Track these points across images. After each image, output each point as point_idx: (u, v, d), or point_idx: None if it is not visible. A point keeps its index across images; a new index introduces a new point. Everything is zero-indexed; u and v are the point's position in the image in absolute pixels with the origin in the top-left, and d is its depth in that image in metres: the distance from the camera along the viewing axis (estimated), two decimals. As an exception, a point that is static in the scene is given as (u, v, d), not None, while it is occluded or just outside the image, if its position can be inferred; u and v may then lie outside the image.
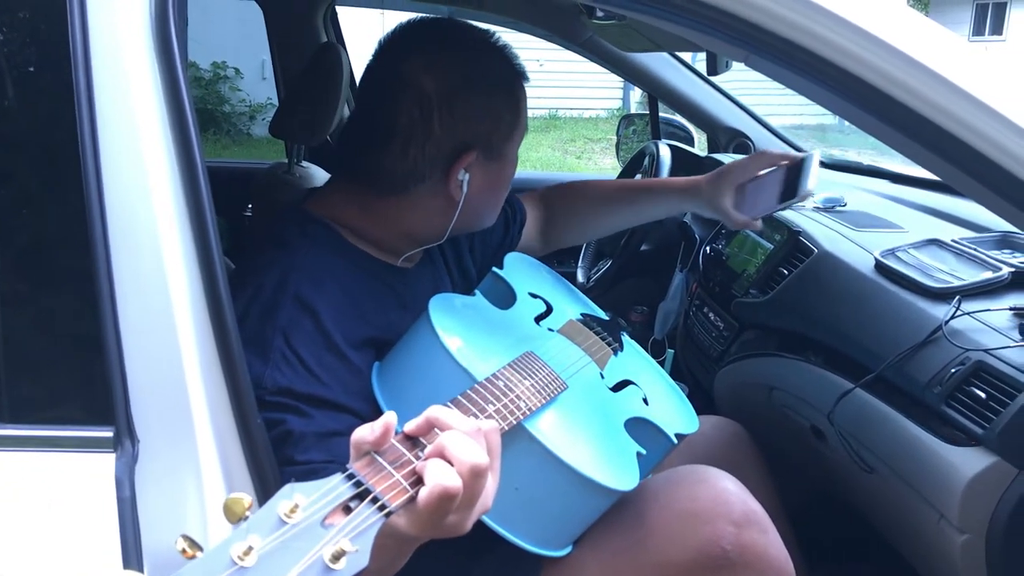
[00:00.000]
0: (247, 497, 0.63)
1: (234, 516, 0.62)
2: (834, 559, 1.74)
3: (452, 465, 0.73)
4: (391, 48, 1.23)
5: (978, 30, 16.00)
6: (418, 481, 0.72)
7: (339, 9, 2.70)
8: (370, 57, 1.24)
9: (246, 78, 9.12)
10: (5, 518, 0.88)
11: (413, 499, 0.71)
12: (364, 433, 0.75)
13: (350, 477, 0.69)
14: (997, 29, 16.12)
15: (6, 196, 0.91)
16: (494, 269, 1.38)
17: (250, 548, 0.58)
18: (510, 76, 1.24)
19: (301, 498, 0.64)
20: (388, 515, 0.68)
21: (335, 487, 0.67)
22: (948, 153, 0.95)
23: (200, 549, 0.59)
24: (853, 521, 1.62)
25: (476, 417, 0.89)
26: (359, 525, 0.65)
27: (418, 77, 1.16)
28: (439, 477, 0.71)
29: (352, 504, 0.67)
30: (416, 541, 0.80)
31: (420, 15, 1.30)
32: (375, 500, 0.68)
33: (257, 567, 0.58)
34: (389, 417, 0.75)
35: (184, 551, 0.59)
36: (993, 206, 0.99)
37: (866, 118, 1.00)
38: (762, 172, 1.48)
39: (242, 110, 9.22)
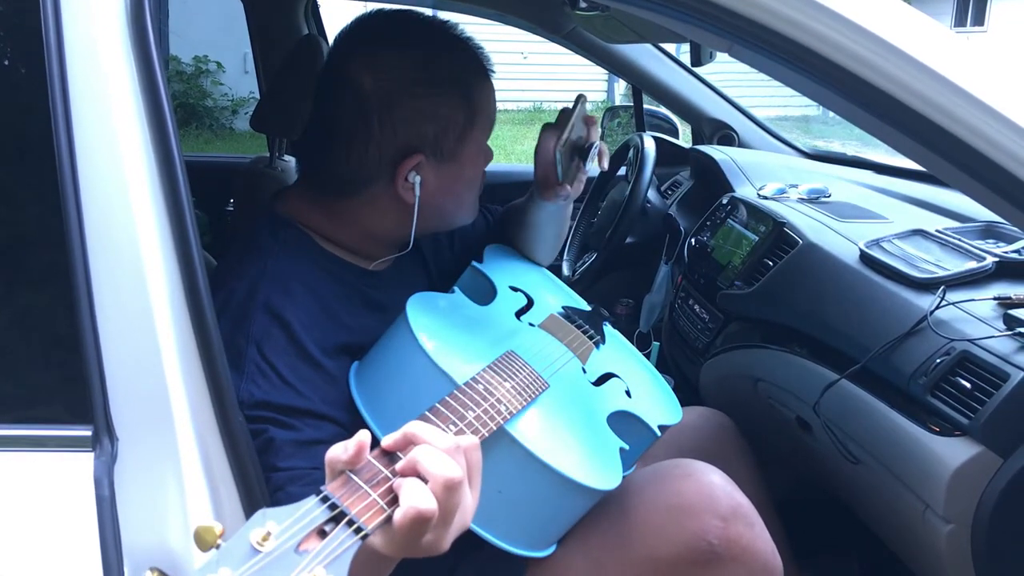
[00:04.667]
0: (218, 525, 0.61)
1: (205, 545, 0.61)
2: (820, 550, 1.74)
3: (426, 481, 0.72)
4: (340, 44, 1.19)
5: (960, 20, 16.07)
6: (395, 500, 0.70)
7: (321, 1, 2.67)
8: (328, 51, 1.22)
9: (228, 72, 9.05)
10: (-19, 520, 0.87)
11: (390, 519, 0.69)
12: (338, 452, 0.73)
13: (324, 500, 0.67)
14: (979, 20, 16.18)
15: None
16: (473, 263, 1.37)
17: None
18: (464, 74, 1.19)
19: (273, 525, 0.62)
20: (364, 537, 0.66)
21: (309, 511, 0.65)
22: (932, 142, 0.95)
23: None
24: (839, 512, 1.62)
25: (456, 425, 0.87)
26: (335, 550, 0.63)
27: (359, 76, 1.13)
28: (413, 498, 0.69)
29: (327, 528, 0.65)
30: (392, 561, 0.79)
31: (377, 7, 1.25)
32: (351, 523, 0.66)
33: None
34: (363, 435, 0.73)
35: None
36: (977, 195, 0.98)
37: (849, 107, 1.00)
38: (554, 141, 1.35)
39: (224, 104, 9.15)
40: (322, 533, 0.63)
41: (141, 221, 0.88)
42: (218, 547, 0.59)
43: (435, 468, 0.71)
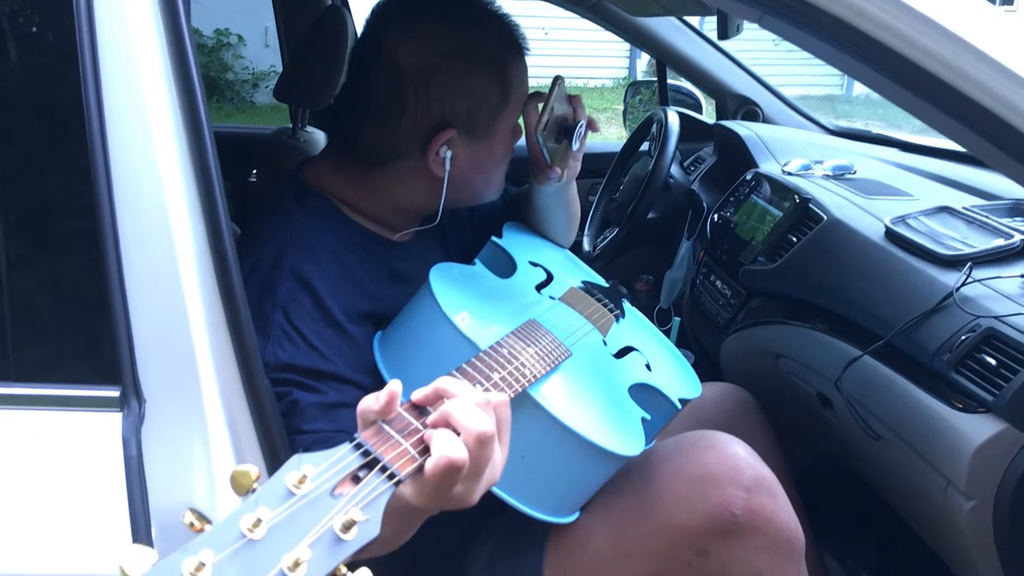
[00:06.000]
0: (254, 469, 0.62)
1: (242, 488, 0.61)
2: (839, 526, 1.74)
3: (458, 434, 0.72)
4: (377, 17, 1.19)
5: None
6: (426, 450, 0.71)
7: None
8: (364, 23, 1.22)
9: (249, 45, 9.05)
10: (15, 475, 0.88)
11: (421, 468, 0.70)
12: (370, 402, 0.74)
13: (358, 447, 0.68)
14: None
15: (13, 160, 0.90)
16: (493, 238, 1.37)
17: (259, 520, 0.57)
18: (500, 51, 1.19)
19: (309, 468, 0.63)
20: (398, 484, 0.67)
21: (343, 457, 0.66)
22: (964, 115, 0.93)
23: (208, 522, 0.58)
24: (859, 489, 1.62)
25: (482, 385, 0.88)
26: (369, 494, 0.64)
27: (395, 50, 1.13)
28: (445, 448, 0.70)
29: (361, 474, 0.66)
30: (423, 513, 0.80)
31: None
32: (384, 469, 0.67)
33: (266, 539, 0.57)
34: (394, 385, 0.74)
35: (192, 524, 0.58)
36: (1008, 170, 0.97)
37: (880, 79, 0.98)
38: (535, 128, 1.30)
39: (245, 78, 9.15)
40: (356, 479, 0.65)
41: (169, 186, 0.89)
42: (254, 490, 0.59)
43: (467, 421, 0.72)
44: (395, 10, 1.18)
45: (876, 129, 2.61)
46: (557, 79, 1.30)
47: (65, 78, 0.88)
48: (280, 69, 2.52)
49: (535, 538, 1.15)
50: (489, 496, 0.99)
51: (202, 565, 0.52)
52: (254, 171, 2.42)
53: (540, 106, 1.26)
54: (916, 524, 1.42)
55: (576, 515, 1.12)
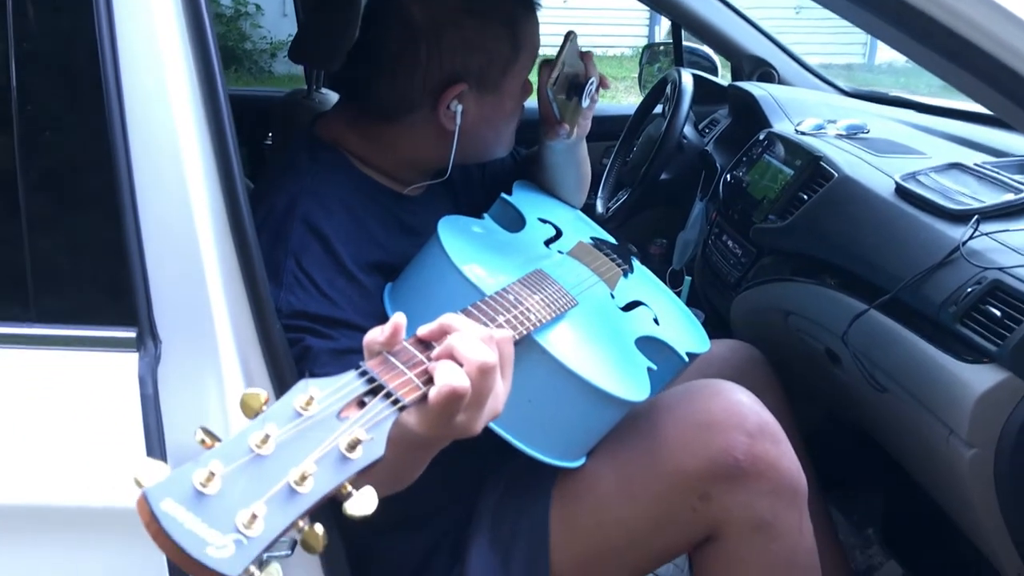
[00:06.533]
0: (263, 392, 0.64)
1: (251, 411, 0.64)
2: (847, 481, 1.76)
3: (461, 365, 0.75)
4: None
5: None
6: (429, 380, 0.73)
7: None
8: None
9: (267, 14, 9.04)
10: (35, 413, 0.91)
11: (425, 397, 0.73)
12: (375, 334, 0.77)
13: (363, 374, 0.70)
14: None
15: (31, 114, 0.92)
16: (503, 195, 1.39)
17: (267, 437, 0.59)
18: (512, 7, 1.21)
19: (316, 391, 0.65)
20: (402, 409, 0.69)
21: (349, 382, 0.68)
22: (991, 76, 0.92)
23: (218, 440, 0.60)
24: (866, 445, 1.63)
25: (487, 326, 0.90)
26: (374, 417, 0.66)
27: (409, 5, 1.15)
28: (448, 377, 0.72)
29: (366, 399, 0.68)
30: (428, 444, 0.82)
31: None
32: (388, 395, 0.69)
33: (274, 455, 0.59)
34: (398, 318, 0.77)
35: (203, 441, 0.60)
36: None
37: (905, 40, 0.98)
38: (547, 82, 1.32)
39: (263, 47, 9.15)
40: (361, 403, 0.67)
41: (183, 131, 0.91)
42: (263, 412, 0.62)
43: (470, 352, 0.75)
44: None
45: (897, 97, 2.59)
46: (569, 34, 1.31)
47: (81, 40, 0.90)
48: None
49: (542, 482, 1.18)
50: (497, 441, 1.02)
51: (212, 475, 0.55)
52: (269, 134, 2.44)
53: (553, 61, 1.28)
54: (920, 475, 1.44)
55: (582, 460, 1.15)
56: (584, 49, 1.36)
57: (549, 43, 1.29)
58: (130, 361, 0.90)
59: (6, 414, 0.90)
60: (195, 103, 0.92)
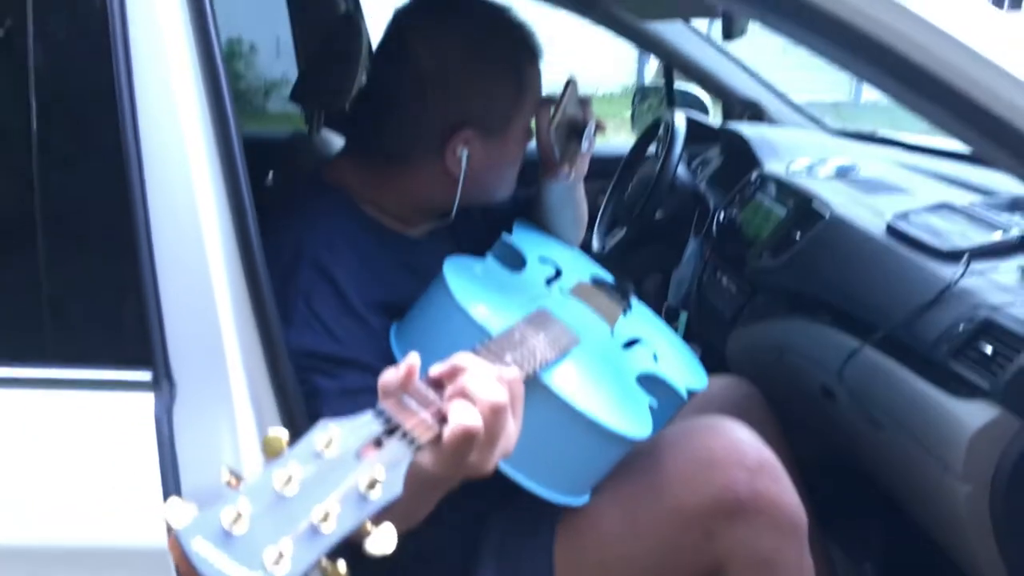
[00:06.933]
0: (285, 433, 0.66)
1: (273, 451, 0.65)
2: (845, 517, 1.77)
3: (474, 405, 0.77)
4: (400, 19, 1.25)
5: (997, 1, 15.77)
6: (443, 420, 0.75)
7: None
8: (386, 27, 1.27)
9: (261, 54, 9.12)
10: (52, 454, 0.92)
11: (439, 436, 0.74)
12: (389, 375, 0.79)
13: (380, 414, 0.72)
14: (1016, 3, 15.92)
15: (49, 157, 0.95)
16: (504, 235, 1.42)
17: (291, 477, 0.61)
18: (516, 56, 1.25)
19: (336, 431, 0.67)
20: (418, 449, 0.71)
21: (367, 423, 0.70)
22: (968, 117, 0.95)
23: (243, 479, 0.62)
24: (861, 482, 1.65)
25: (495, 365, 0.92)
26: (391, 457, 0.68)
27: (417, 52, 1.19)
28: (461, 417, 0.74)
29: (383, 439, 0.70)
30: (440, 484, 0.84)
31: None
32: (404, 435, 0.71)
33: (298, 495, 0.61)
34: (412, 359, 0.79)
35: (229, 481, 0.62)
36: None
37: (889, 83, 1.01)
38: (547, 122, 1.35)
39: (257, 86, 9.23)
40: (378, 443, 0.69)
41: (197, 176, 0.94)
42: (284, 452, 0.64)
43: (481, 392, 0.77)
44: (417, 13, 1.24)
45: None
46: (570, 82, 1.35)
47: (102, 87, 0.92)
48: (291, 77, 2.57)
49: (546, 520, 1.19)
50: (501, 478, 1.04)
51: (239, 515, 0.57)
52: (269, 175, 2.46)
53: (554, 105, 1.32)
54: (916, 512, 1.45)
55: (586, 498, 1.16)
56: (586, 92, 1.40)
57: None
58: (146, 402, 0.92)
59: (25, 455, 0.92)
60: (209, 147, 0.94)
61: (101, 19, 0.92)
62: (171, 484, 0.90)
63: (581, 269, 1.49)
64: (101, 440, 0.93)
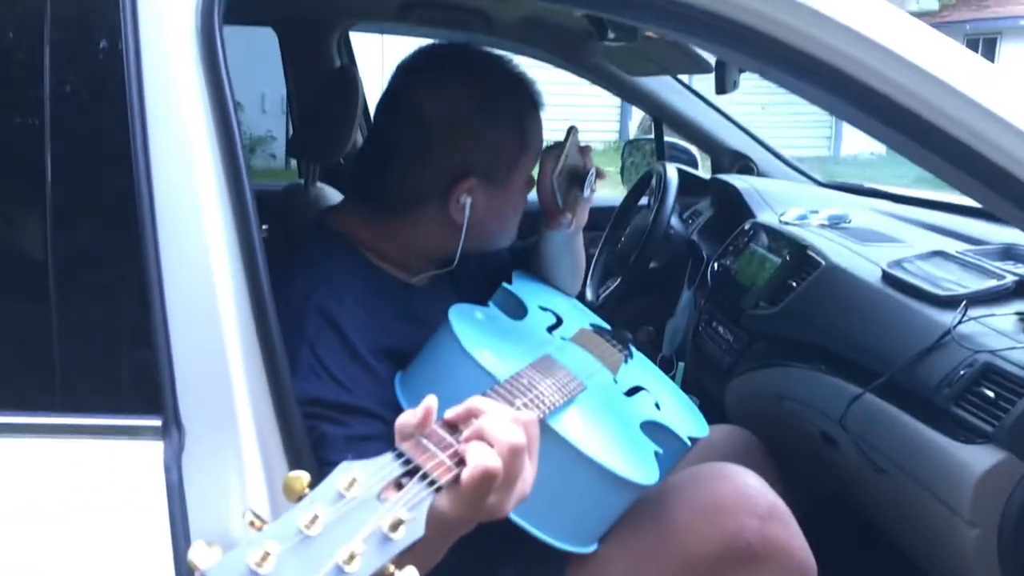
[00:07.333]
0: (306, 475, 0.66)
1: (293, 493, 0.65)
2: (845, 567, 1.76)
3: (492, 446, 0.77)
4: (404, 72, 1.27)
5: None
6: (461, 462, 0.75)
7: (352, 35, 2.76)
8: (387, 79, 1.29)
9: (246, 111, 9.21)
10: (62, 502, 0.91)
11: (458, 478, 0.74)
12: (407, 417, 0.79)
13: (399, 456, 0.72)
14: (988, 60, 16.31)
15: (62, 203, 0.95)
16: (504, 284, 1.42)
17: (316, 517, 0.61)
18: (518, 106, 1.27)
19: (359, 472, 0.67)
20: (438, 490, 0.71)
21: (387, 464, 0.70)
22: (971, 168, 0.98)
23: (265, 522, 0.62)
24: (863, 530, 1.65)
25: None
26: (412, 498, 0.68)
27: (422, 104, 1.21)
28: (481, 458, 0.74)
29: (403, 480, 0.70)
30: (456, 527, 0.83)
31: (412, 40, 1.33)
32: (424, 476, 0.71)
33: (322, 535, 0.61)
34: (430, 401, 0.79)
35: (252, 523, 0.61)
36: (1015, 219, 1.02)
37: (884, 130, 1.04)
38: (550, 170, 1.38)
39: (243, 143, 9.30)
40: (399, 485, 0.69)
41: (209, 225, 0.94)
42: (306, 495, 0.63)
43: (500, 434, 0.77)
44: (422, 66, 1.26)
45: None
46: (571, 130, 1.38)
47: (115, 132, 0.93)
48: (275, 134, 2.60)
49: (555, 569, 1.18)
50: (509, 527, 1.03)
51: (266, 555, 0.56)
52: (264, 227, 2.47)
53: (557, 153, 1.34)
54: (921, 558, 1.45)
55: (594, 546, 1.15)
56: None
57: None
58: (155, 450, 0.91)
59: (33, 504, 0.90)
60: (221, 197, 0.95)
61: (118, 75, 0.93)
62: (180, 531, 0.88)
63: (580, 318, 1.49)
64: (110, 488, 0.92)
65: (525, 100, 1.28)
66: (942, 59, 0.99)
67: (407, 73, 1.26)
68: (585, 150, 1.41)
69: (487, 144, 1.22)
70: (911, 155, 1.08)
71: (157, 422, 0.92)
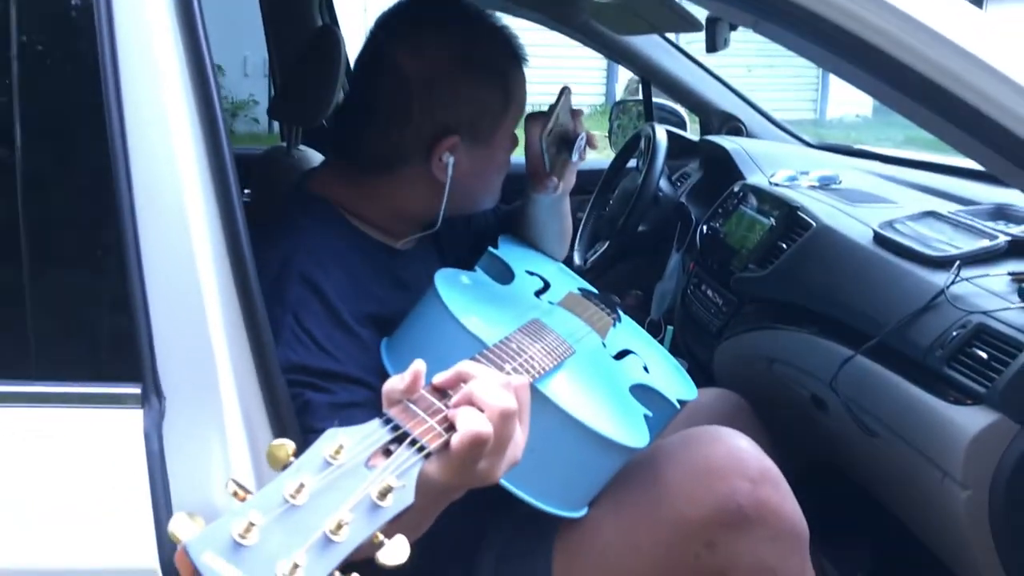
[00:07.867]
0: (291, 443, 0.64)
1: (278, 461, 0.64)
2: (836, 531, 1.76)
3: (482, 411, 0.75)
4: (382, 28, 1.23)
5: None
6: (450, 427, 0.73)
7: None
8: (366, 35, 1.25)
9: (228, 75, 9.09)
10: (40, 471, 0.89)
11: (447, 444, 0.72)
12: (395, 383, 0.77)
13: (387, 422, 0.70)
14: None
15: (35, 169, 0.92)
16: (490, 249, 1.40)
17: (301, 486, 0.59)
18: (501, 61, 1.24)
19: (345, 439, 0.65)
20: (427, 456, 0.69)
21: (374, 431, 0.69)
22: (957, 117, 0.96)
23: (250, 492, 0.60)
24: (853, 493, 1.64)
25: None
26: (401, 465, 0.66)
27: (401, 60, 1.17)
28: (471, 423, 0.72)
29: (392, 447, 0.68)
30: (446, 493, 0.81)
31: None
32: (413, 442, 0.69)
33: (309, 504, 0.59)
34: (418, 365, 0.77)
35: (236, 493, 0.59)
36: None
37: (879, 86, 1.01)
38: (539, 132, 1.34)
39: (225, 107, 9.19)
40: (387, 452, 0.67)
41: (188, 188, 0.91)
42: (290, 463, 0.61)
43: (490, 399, 0.75)
44: (400, 21, 1.22)
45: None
46: (564, 90, 1.34)
47: (90, 99, 0.90)
48: (258, 98, 2.56)
49: (544, 534, 1.17)
50: (499, 492, 1.01)
51: (250, 526, 0.54)
52: (246, 191, 2.44)
53: (548, 113, 1.30)
54: (912, 520, 1.45)
55: (585, 510, 1.14)
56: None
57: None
58: (135, 417, 0.88)
59: (11, 473, 0.88)
60: (199, 159, 0.92)
61: (89, 30, 0.89)
62: (161, 501, 0.86)
63: (567, 282, 1.47)
64: (89, 457, 0.89)
65: (508, 54, 1.25)
66: (940, 14, 0.96)
67: (386, 29, 1.22)
68: (577, 113, 1.38)
69: (469, 100, 1.19)
70: (909, 112, 1.06)
71: (136, 389, 0.89)
